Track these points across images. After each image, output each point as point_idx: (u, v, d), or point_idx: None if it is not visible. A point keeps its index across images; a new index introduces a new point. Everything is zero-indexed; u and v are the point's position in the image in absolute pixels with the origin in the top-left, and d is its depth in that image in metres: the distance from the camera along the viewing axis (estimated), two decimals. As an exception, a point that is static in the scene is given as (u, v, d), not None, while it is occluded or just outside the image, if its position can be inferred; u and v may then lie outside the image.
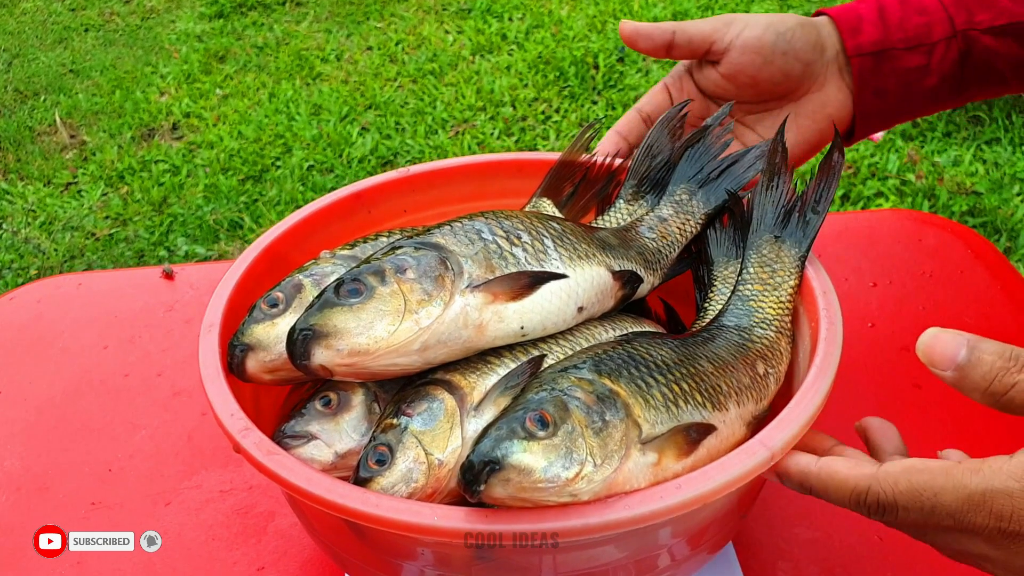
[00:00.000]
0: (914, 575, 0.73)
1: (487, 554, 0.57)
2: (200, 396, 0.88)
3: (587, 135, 0.83)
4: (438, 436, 0.59)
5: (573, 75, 3.44)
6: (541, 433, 0.52)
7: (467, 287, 0.61)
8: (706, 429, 0.57)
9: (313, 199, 3.02)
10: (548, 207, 0.83)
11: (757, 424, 0.63)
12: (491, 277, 0.61)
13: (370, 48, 3.75)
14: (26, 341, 0.97)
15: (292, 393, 0.72)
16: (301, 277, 0.67)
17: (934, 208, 2.70)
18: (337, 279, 0.60)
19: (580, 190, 0.83)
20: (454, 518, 0.52)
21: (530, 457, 0.51)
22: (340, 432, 0.63)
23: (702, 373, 0.61)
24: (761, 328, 0.68)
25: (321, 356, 0.58)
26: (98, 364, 0.94)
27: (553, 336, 0.65)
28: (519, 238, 0.65)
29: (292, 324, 0.60)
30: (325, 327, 0.58)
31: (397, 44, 3.74)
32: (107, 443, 0.86)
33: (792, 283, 0.70)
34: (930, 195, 2.75)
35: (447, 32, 3.80)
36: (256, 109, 3.41)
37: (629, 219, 0.79)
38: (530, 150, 3.10)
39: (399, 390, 0.63)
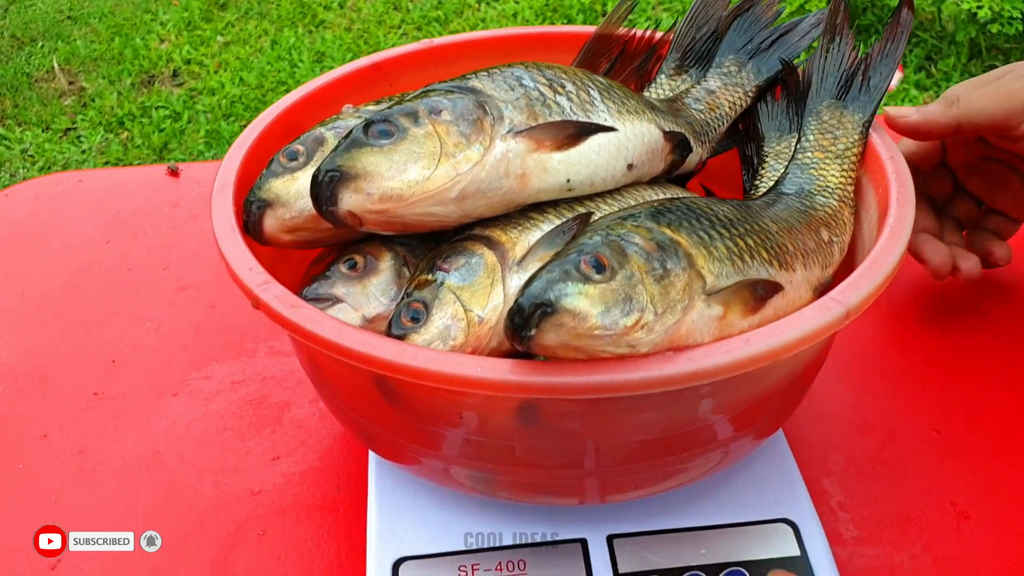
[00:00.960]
0: (973, 468, 0.68)
1: (532, 417, 0.51)
2: (210, 288, 0.83)
3: (624, 8, 0.77)
4: (478, 292, 0.53)
5: (581, 22, 3.38)
6: (598, 276, 0.47)
7: (508, 132, 0.55)
8: (774, 287, 0.52)
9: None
10: (583, 86, 0.77)
11: (822, 292, 0.58)
12: (534, 124, 0.56)
13: (374, -5, 3.67)
14: (23, 236, 0.91)
15: (313, 265, 0.67)
16: (323, 130, 0.61)
17: (951, 158, 2.65)
18: (364, 119, 0.54)
19: (618, 66, 0.77)
20: (500, 369, 0.47)
21: (586, 301, 0.46)
22: (367, 295, 0.58)
23: (767, 231, 0.55)
24: (823, 196, 0.62)
25: (349, 200, 0.52)
26: (99, 259, 0.88)
27: (601, 195, 0.60)
28: (563, 87, 0.59)
29: (304, 179, 0.55)
30: (354, 169, 0.52)
31: (402, -8, 3.66)
32: (110, 335, 0.80)
33: (856, 150, 0.64)
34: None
35: (453, -21, 3.72)
36: (258, 56, 3.34)
37: (672, 93, 0.74)
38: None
39: (432, 248, 0.57)
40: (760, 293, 0.51)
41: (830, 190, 0.63)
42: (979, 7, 2.85)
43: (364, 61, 0.75)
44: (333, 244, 0.62)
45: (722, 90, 0.72)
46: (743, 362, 0.48)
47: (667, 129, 0.63)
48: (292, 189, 0.58)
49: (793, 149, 0.66)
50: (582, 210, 0.58)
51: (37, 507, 0.67)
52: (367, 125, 0.53)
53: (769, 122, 0.71)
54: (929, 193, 0.80)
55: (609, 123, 0.59)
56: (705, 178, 0.78)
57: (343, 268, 0.59)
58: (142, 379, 0.76)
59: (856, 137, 0.64)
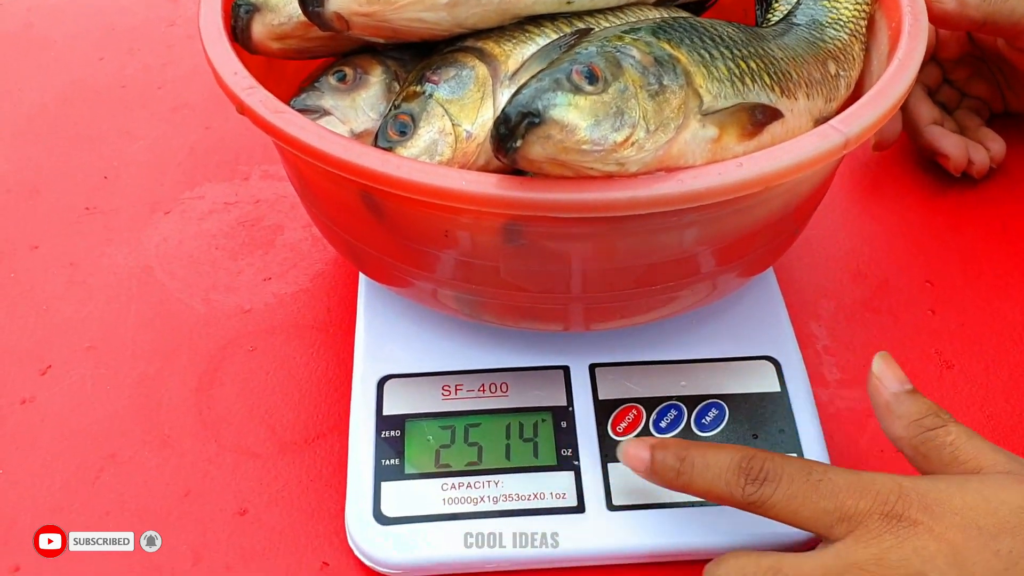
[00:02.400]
0: (961, 320, 0.68)
1: (517, 237, 0.51)
2: (205, 109, 0.82)
3: None
4: (467, 106, 0.52)
5: None
6: (589, 88, 0.45)
7: None
8: (773, 113, 0.50)
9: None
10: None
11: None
12: None
13: None
14: (14, 49, 0.89)
15: (304, 82, 0.65)
16: (316, -67, 0.58)
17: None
18: None
19: None
20: (485, 183, 0.46)
21: (576, 112, 0.44)
22: (356, 109, 0.56)
23: (771, 57, 0.53)
24: (835, 29, 0.60)
25: (336, 0, 0.50)
26: (93, 75, 0.86)
27: (602, 11, 0.57)
28: None
29: None
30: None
31: None
32: (102, 151, 0.79)
33: (871, -16, 0.61)
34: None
35: None
36: None
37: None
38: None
39: (423, 60, 0.56)
40: (758, 118, 0.50)
41: (842, 23, 0.60)
42: None
43: None
44: (324, 55, 0.60)
45: None
46: (735, 186, 0.47)
47: None
48: (282, -5, 0.56)
49: (807, -20, 0.63)
50: (581, 26, 0.56)
51: (26, 317, 0.67)
52: None
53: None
54: (923, 81, 0.81)
55: None
56: (717, 13, 0.75)
57: (332, 80, 0.57)
58: (134, 196, 0.76)
59: (873, -31, 0.62)
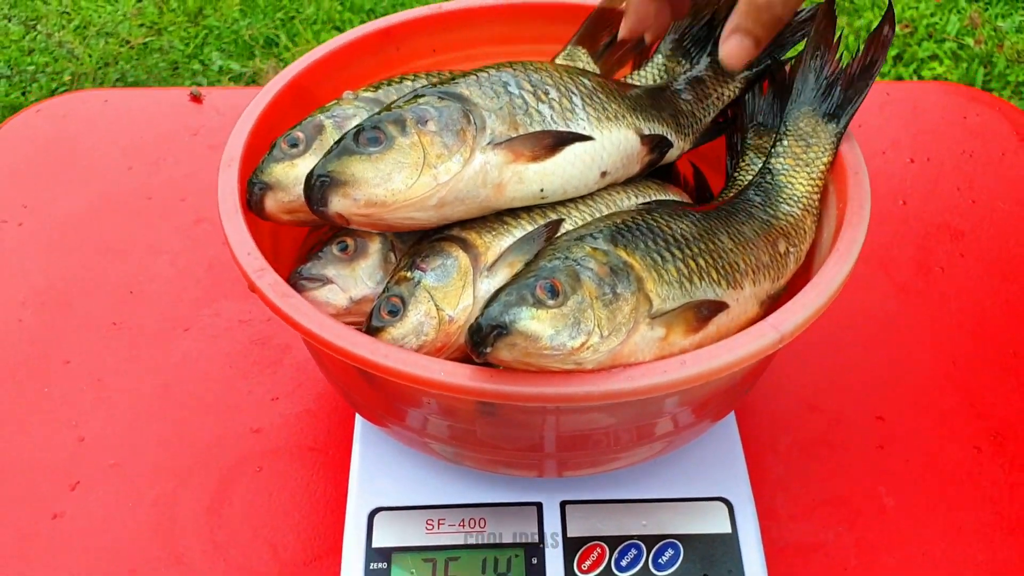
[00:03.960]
0: (907, 457, 0.74)
1: (491, 409, 0.58)
2: (221, 226, 0.89)
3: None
4: (450, 293, 0.59)
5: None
6: (551, 302, 0.52)
7: (489, 143, 0.59)
8: (717, 307, 0.57)
9: (351, 20, 2.93)
10: (583, 56, 0.80)
11: (771, 303, 0.63)
12: (514, 135, 0.60)
13: None
14: (52, 156, 0.97)
15: (311, 234, 0.72)
16: (322, 118, 0.65)
17: (989, 76, 2.61)
18: (357, 126, 0.59)
19: (618, 42, 0.80)
20: (459, 375, 0.53)
21: (537, 324, 0.51)
22: (355, 278, 0.63)
23: (721, 249, 0.60)
24: (788, 205, 0.66)
25: (338, 204, 0.57)
26: (121, 185, 0.94)
27: (573, 200, 0.64)
28: (547, 94, 0.63)
29: (311, 167, 0.59)
30: (343, 175, 0.57)
31: None
32: (129, 265, 0.87)
33: (826, 159, 0.68)
34: (987, 62, 2.65)
35: None
36: (297, -81, 3.29)
37: (666, 76, 0.77)
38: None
39: (415, 243, 0.63)
40: (704, 314, 0.56)
41: (796, 199, 0.67)
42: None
43: (373, 26, 0.78)
44: (329, 224, 0.67)
45: (712, 80, 0.75)
46: (680, 381, 0.54)
47: (646, 132, 0.67)
48: (291, 175, 0.63)
49: (769, 151, 0.70)
50: (553, 216, 0.62)
51: (58, 432, 0.75)
52: (358, 132, 0.58)
53: (754, 111, 0.74)
54: None
55: (588, 131, 0.63)
56: (695, 156, 0.81)
57: (335, 250, 0.64)
58: (156, 312, 0.83)
59: (828, 147, 0.68)
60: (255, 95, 0.71)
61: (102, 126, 0.99)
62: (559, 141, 0.61)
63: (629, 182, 0.68)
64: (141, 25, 2.90)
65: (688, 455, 0.70)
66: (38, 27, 2.89)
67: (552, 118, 0.62)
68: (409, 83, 0.70)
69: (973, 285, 0.85)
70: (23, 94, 2.61)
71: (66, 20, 2.91)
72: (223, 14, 2.91)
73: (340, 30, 2.83)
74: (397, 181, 0.57)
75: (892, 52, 2.72)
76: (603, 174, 0.64)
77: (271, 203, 0.63)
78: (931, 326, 0.82)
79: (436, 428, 0.62)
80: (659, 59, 0.78)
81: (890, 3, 0.71)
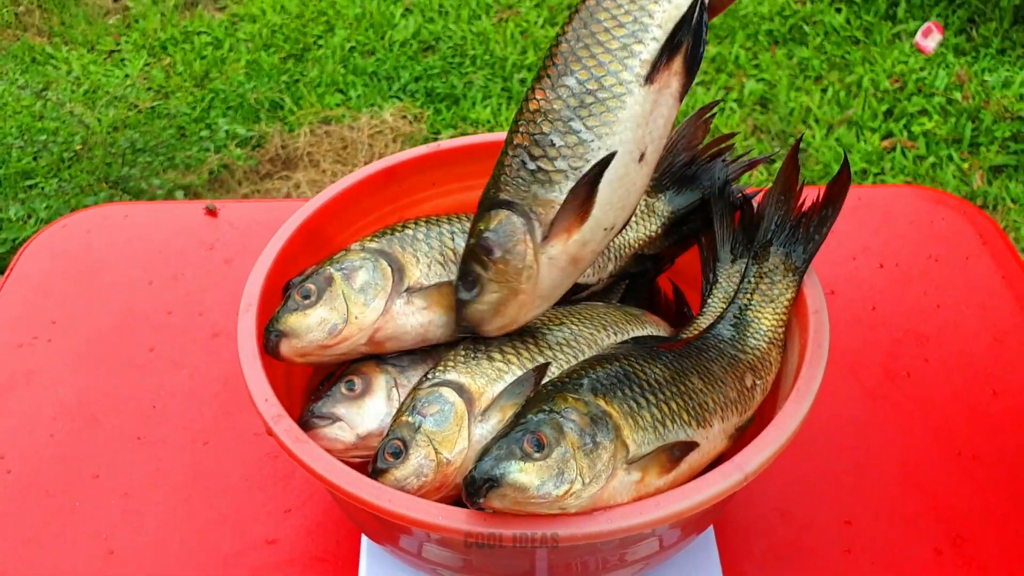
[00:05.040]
0: (872, 559, 0.80)
1: (485, 545, 0.64)
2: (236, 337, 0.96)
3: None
4: (447, 437, 0.65)
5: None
6: (537, 455, 0.59)
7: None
8: (688, 447, 0.64)
9: (353, 83, 3.00)
10: (570, 185, 0.87)
11: (739, 434, 0.69)
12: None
13: (417, -77, 3.68)
14: (78, 271, 1.04)
15: (315, 373, 0.79)
16: (332, 270, 0.72)
17: (977, 130, 2.68)
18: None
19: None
20: (456, 519, 0.59)
21: (525, 476, 0.58)
22: (362, 415, 0.70)
23: (692, 391, 0.67)
24: (755, 339, 0.73)
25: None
26: (143, 300, 1.01)
27: (559, 343, 0.71)
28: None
29: (318, 315, 0.70)
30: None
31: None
32: (151, 380, 0.93)
33: (789, 295, 0.74)
34: (975, 116, 2.73)
35: (497, -91, 3.70)
36: (300, -18, 3.39)
37: (647, 210, 0.84)
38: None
39: (416, 385, 0.69)
40: (676, 455, 0.63)
41: (762, 333, 0.73)
42: (1022, -24, 2.84)
43: (377, 167, 0.85)
44: (338, 363, 0.74)
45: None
46: (655, 521, 0.60)
47: None
48: (303, 324, 0.70)
49: (738, 284, 0.76)
50: (540, 360, 0.69)
51: (89, 549, 0.81)
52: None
53: (724, 244, 0.81)
54: None
55: None
56: (674, 274, 0.88)
57: (343, 389, 0.71)
58: (178, 425, 0.90)
59: (791, 284, 0.75)
60: (267, 207, 0.79)
61: (124, 240, 1.06)
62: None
63: (609, 319, 0.75)
64: (148, 89, 2.98)
65: (669, 566, 0.76)
66: (48, 92, 2.98)
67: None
68: (410, 231, 0.76)
69: (936, 390, 0.91)
70: (34, 159, 2.70)
71: (76, 85, 2.99)
72: (229, 77, 2.99)
73: (343, 93, 2.92)
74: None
75: (882, 108, 2.80)
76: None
77: (286, 348, 0.70)
78: (897, 431, 0.89)
79: (435, 556, 0.68)
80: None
81: (845, 156, 0.78)
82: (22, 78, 3.03)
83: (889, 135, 2.74)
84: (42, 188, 2.56)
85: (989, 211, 2.52)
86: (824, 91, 2.87)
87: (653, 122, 0.69)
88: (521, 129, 0.70)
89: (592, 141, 0.68)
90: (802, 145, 2.70)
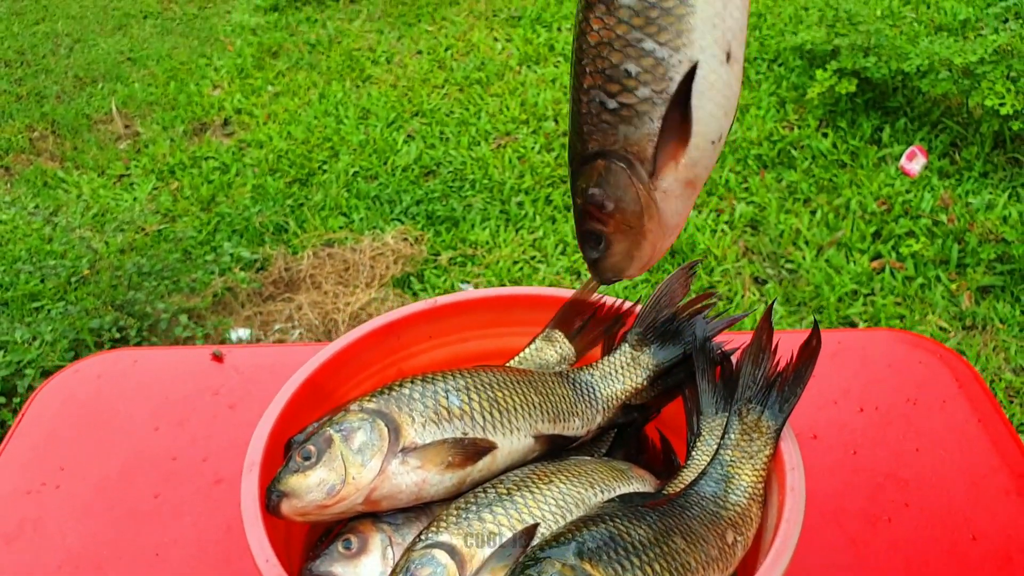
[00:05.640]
0: None
1: None
2: (238, 488, 0.99)
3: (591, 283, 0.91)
4: (440, 599, 0.68)
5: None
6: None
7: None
8: (672, 608, 0.66)
9: (356, 207, 3.08)
10: (560, 337, 0.92)
11: (723, 589, 0.72)
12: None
13: (420, 52, 3.83)
14: (88, 417, 1.08)
15: (312, 531, 0.83)
16: (332, 432, 0.76)
17: (963, 252, 2.75)
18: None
19: (589, 325, 0.92)
20: None
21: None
22: (358, 574, 0.73)
23: (675, 551, 0.70)
24: (736, 495, 0.76)
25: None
26: (149, 445, 1.04)
27: (546, 500, 0.74)
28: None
29: (320, 476, 0.72)
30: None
31: (447, 50, 3.82)
32: (155, 527, 0.96)
33: (768, 452, 0.78)
34: (960, 238, 2.80)
35: (496, 40, 3.86)
36: (306, 109, 3.51)
37: (633, 363, 0.88)
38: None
39: (410, 546, 0.72)
40: (660, 617, 0.66)
41: (742, 489, 0.77)
42: (1001, 104, 2.95)
43: (377, 323, 0.90)
44: (336, 520, 0.77)
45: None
46: None
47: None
48: (304, 484, 0.73)
49: (719, 440, 0.80)
50: (529, 520, 0.72)
51: None
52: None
53: (707, 398, 0.85)
54: None
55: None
56: (660, 423, 0.92)
57: (340, 548, 0.74)
58: (181, 574, 0.92)
59: (769, 440, 0.78)
60: (271, 351, 0.83)
61: (133, 386, 1.11)
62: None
63: (596, 477, 0.79)
64: (156, 212, 3.07)
65: None
66: (58, 216, 3.06)
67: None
68: (406, 390, 0.81)
69: (917, 534, 0.94)
70: (41, 281, 2.76)
71: (85, 209, 3.08)
72: (235, 201, 3.08)
73: (346, 216, 3.00)
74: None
75: (870, 230, 2.88)
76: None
77: (287, 508, 0.74)
78: (883, 576, 0.91)
79: None
80: (626, 348, 0.89)
81: (815, 322, 0.82)
82: (34, 202, 3.12)
83: (878, 256, 2.81)
84: (48, 311, 2.62)
85: (978, 331, 2.56)
86: (813, 213, 2.96)
87: (729, 15, 0.63)
88: (587, 68, 0.64)
89: (670, 57, 0.63)
90: (792, 267, 2.77)
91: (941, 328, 2.56)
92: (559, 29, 3.88)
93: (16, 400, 2.28)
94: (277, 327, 2.60)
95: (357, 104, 3.52)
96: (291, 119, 3.47)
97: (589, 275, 0.91)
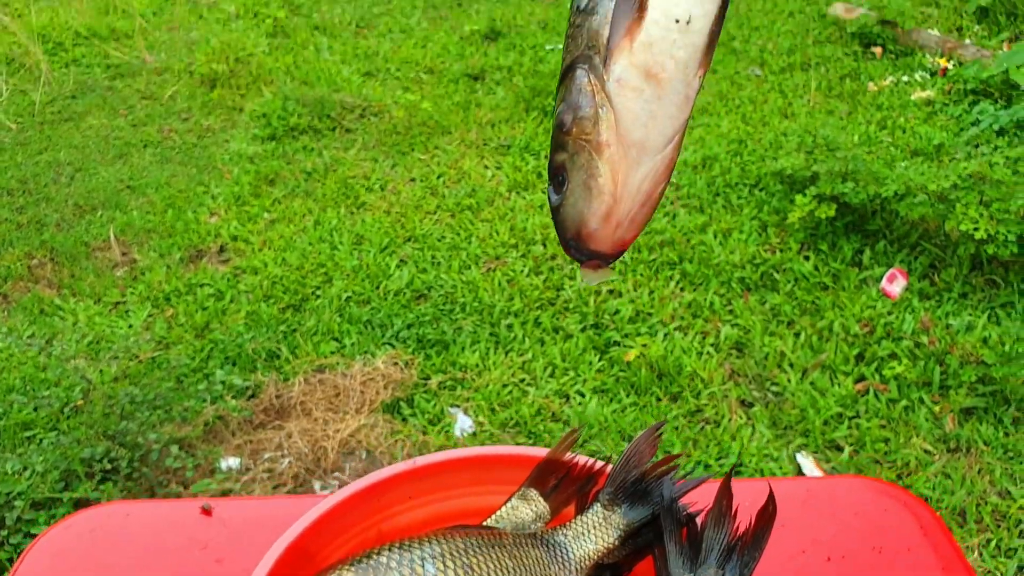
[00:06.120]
0: None
1: None
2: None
3: (569, 438, 0.96)
4: None
5: (602, 216, 3.59)
6: None
7: None
8: None
9: (348, 331, 3.13)
10: (534, 496, 0.96)
11: None
12: None
13: (413, 179, 3.95)
14: (79, 573, 1.10)
15: None
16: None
17: (945, 374, 2.80)
18: None
19: (563, 484, 0.96)
20: None
21: None
22: None
23: None
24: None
25: None
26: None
27: None
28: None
29: None
30: None
31: (439, 177, 3.94)
32: None
33: (732, 617, 0.82)
34: (942, 360, 2.85)
35: (486, 167, 3.99)
36: (301, 236, 3.60)
37: (604, 522, 0.92)
38: (556, 289, 3.25)
39: None
40: None
41: (709, 653, 0.80)
42: (975, 228, 3.04)
43: (356, 486, 0.94)
44: None
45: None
46: None
47: None
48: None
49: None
50: None
51: None
52: None
53: (674, 558, 0.88)
54: None
55: None
56: (634, 578, 0.95)
57: None
58: None
59: (733, 605, 0.82)
60: (260, 505, 0.86)
61: (124, 541, 1.13)
62: None
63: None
64: (150, 340, 3.12)
65: None
66: (53, 344, 3.11)
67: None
68: (384, 558, 0.84)
69: None
70: (34, 410, 2.79)
71: (80, 337, 3.13)
72: (228, 328, 3.14)
73: (338, 341, 3.06)
74: None
75: (853, 352, 2.93)
76: None
77: None
78: None
79: None
80: (598, 507, 0.93)
81: (771, 490, 0.87)
82: (29, 330, 3.18)
83: (862, 379, 2.86)
84: (40, 440, 2.64)
85: (963, 454, 2.60)
86: (797, 335, 3.02)
87: None
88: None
89: None
90: (778, 389, 2.81)
91: (926, 451, 2.60)
92: (546, 157, 4.00)
93: (3, 533, 2.29)
94: (267, 456, 2.63)
95: (351, 230, 3.61)
96: (286, 245, 3.55)
97: (562, 435, 0.96)
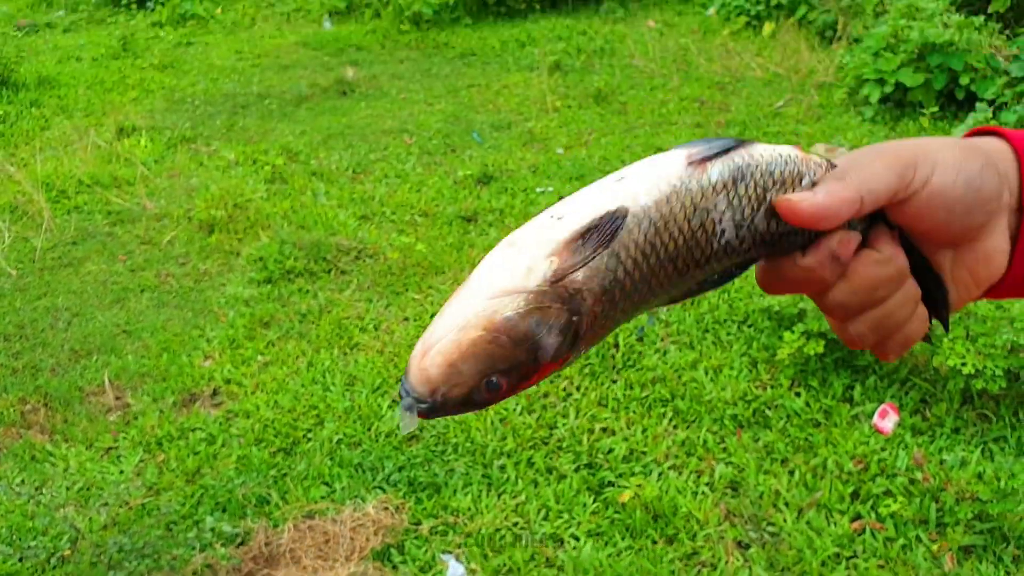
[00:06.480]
0: None
1: None
2: None
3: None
4: None
5: (594, 353, 3.62)
6: None
7: None
8: None
9: (339, 475, 3.12)
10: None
11: None
12: None
13: (407, 319, 3.99)
14: None
15: None
16: None
17: (942, 511, 2.77)
18: None
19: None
20: None
21: None
22: None
23: None
24: None
25: None
26: None
27: None
28: None
29: None
30: None
31: (432, 316, 3.97)
32: None
33: None
34: (937, 497, 2.83)
35: (477, 307, 4.02)
36: (294, 378, 3.62)
37: None
38: (549, 427, 3.25)
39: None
40: None
41: None
42: (963, 364, 3.06)
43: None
44: None
45: None
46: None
47: None
48: None
49: None
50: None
51: None
52: None
53: None
54: None
55: None
56: None
57: None
58: None
59: None
60: None
61: None
62: None
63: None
64: (141, 486, 3.09)
65: None
66: (43, 491, 3.08)
67: None
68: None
69: None
70: (20, 560, 2.74)
71: (71, 483, 3.10)
72: (219, 473, 3.12)
73: (328, 485, 3.03)
74: None
75: (848, 490, 2.91)
76: None
77: None
78: None
79: None
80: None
81: None
82: (19, 477, 3.15)
83: (858, 517, 2.83)
84: (24, 594, 2.60)
85: (965, 594, 2.55)
86: (791, 473, 3.00)
87: None
88: None
89: None
90: (774, 530, 2.78)
91: (926, 592, 2.55)
92: (538, 295, 4.05)
93: None
94: (255, 607, 2.57)
95: (344, 371, 3.63)
96: (279, 388, 3.56)
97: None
